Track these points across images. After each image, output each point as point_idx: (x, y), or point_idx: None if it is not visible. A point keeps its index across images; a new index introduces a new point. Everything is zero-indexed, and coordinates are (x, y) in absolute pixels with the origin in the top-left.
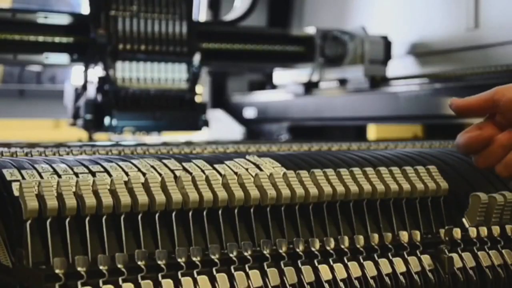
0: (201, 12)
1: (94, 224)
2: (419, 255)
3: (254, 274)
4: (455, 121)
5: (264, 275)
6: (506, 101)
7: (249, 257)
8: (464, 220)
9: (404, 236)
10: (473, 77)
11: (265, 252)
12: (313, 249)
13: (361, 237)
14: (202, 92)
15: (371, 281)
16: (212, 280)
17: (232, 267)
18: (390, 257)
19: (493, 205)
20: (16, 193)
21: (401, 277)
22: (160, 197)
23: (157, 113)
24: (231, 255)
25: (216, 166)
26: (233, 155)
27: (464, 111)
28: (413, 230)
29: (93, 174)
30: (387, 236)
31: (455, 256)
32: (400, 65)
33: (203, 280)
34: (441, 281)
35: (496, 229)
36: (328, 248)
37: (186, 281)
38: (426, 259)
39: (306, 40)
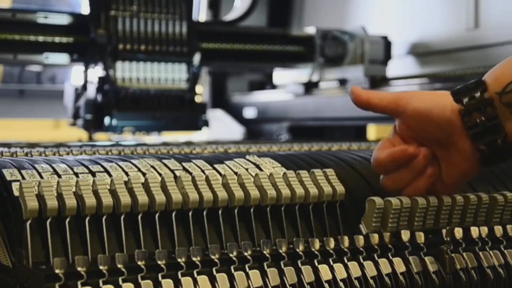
0: (201, 12)
1: (94, 224)
2: (422, 255)
3: (254, 274)
4: None
5: (264, 275)
6: (411, 110)
7: (249, 257)
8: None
9: (405, 235)
10: (473, 77)
11: (265, 252)
12: (313, 249)
13: (361, 237)
14: (202, 92)
15: (371, 281)
16: (212, 280)
17: (232, 267)
18: (390, 257)
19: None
20: (16, 193)
21: (401, 277)
22: (160, 197)
23: (157, 113)
24: (231, 255)
25: (216, 166)
26: (233, 155)
27: (365, 104)
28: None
29: (93, 174)
30: (387, 236)
31: (456, 256)
32: (400, 65)
33: (203, 280)
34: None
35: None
36: (328, 248)
37: (186, 281)
38: (428, 259)
39: (306, 40)
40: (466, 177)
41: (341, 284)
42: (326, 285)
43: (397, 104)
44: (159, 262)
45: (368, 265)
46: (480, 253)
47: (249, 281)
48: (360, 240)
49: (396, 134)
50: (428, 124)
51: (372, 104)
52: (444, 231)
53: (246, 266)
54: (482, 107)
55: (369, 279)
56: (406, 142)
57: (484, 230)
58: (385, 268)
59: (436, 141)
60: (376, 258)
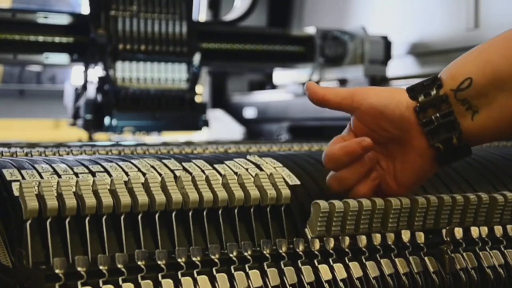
0: (201, 12)
1: (94, 224)
2: (422, 256)
3: (254, 274)
4: None
5: (264, 275)
6: (366, 106)
7: (249, 257)
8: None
9: (406, 235)
10: None
11: (265, 252)
12: (313, 249)
13: (363, 237)
14: (202, 92)
15: (373, 281)
16: (212, 280)
17: (232, 267)
18: (393, 257)
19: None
20: (16, 193)
21: (403, 278)
22: (160, 197)
23: (157, 113)
24: (231, 255)
25: (216, 166)
26: (233, 155)
27: (320, 100)
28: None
29: (93, 174)
30: (390, 236)
31: (457, 256)
32: (400, 65)
33: (203, 280)
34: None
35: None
36: (328, 248)
37: (186, 281)
38: (428, 259)
39: (306, 40)
40: (421, 176)
41: (341, 284)
42: (326, 285)
43: (352, 100)
44: (159, 262)
45: (370, 265)
46: (480, 253)
47: (249, 281)
48: (363, 241)
49: (350, 131)
50: (382, 120)
51: (326, 100)
52: (444, 231)
53: (246, 266)
54: (437, 103)
55: (371, 279)
56: None
57: (484, 230)
58: (388, 269)
59: (391, 139)
60: (379, 258)
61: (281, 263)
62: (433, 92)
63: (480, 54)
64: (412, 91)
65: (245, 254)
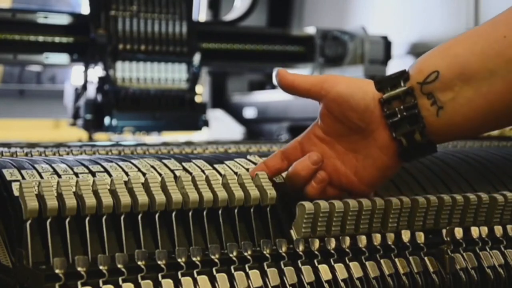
0: (201, 12)
1: (94, 224)
2: (422, 256)
3: (254, 274)
4: None
5: (264, 275)
6: (334, 93)
7: (249, 257)
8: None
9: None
10: None
11: (265, 252)
12: (313, 249)
13: (363, 237)
14: (202, 92)
15: (373, 282)
16: (212, 280)
17: (232, 267)
18: (393, 257)
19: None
20: (16, 193)
21: (403, 278)
22: (160, 197)
23: (157, 113)
24: (231, 255)
25: (216, 166)
26: (233, 155)
27: (289, 86)
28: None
29: (93, 174)
30: (390, 236)
31: (457, 256)
32: (400, 65)
33: (203, 280)
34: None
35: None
36: (328, 248)
37: (186, 281)
38: (428, 259)
39: (306, 40)
40: (384, 173)
41: (342, 284)
42: (326, 285)
43: (321, 86)
44: (159, 262)
45: (370, 265)
46: (480, 253)
47: (249, 281)
48: (363, 240)
49: (313, 127)
50: (348, 109)
51: (296, 85)
52: (444, 231)
53: (246, 266)
54: (402, 96)
55: (371, 279)
56: (325, 132)
57: (484, 230)
58: (388, 269)
59: (355, 130)
60: (379, 258)
61: (281, 263)
62: (399, 84)
63: (448, 48)
64: (380, 83)
65: (245, 254)
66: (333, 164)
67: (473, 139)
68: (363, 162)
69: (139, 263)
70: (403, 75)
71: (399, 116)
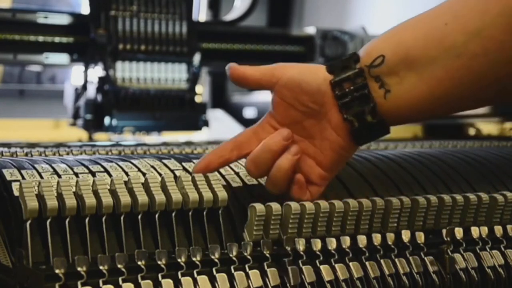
0: (201, 12)
1: (94, 224)
2: (422, 256)
3: (254, 274)
4: (455, 121)
5: (264, 275)
6: (285, 79)
7: (249, 257)
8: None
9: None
10: None
11: (265, 252)
12: (314, 249)
13: (363, 237)
14: (202, 92)
15: (374, 282)
16: (212, 280)
17: (232, 267)
18: (393, 258)
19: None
20: (16, 193)
21: (404, 278)
22: (160, 197)
23: (157, 113)
24: (230, 255)
25: None
26: None
27: (240, 78)
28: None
29: (93, 174)
30: (390, 236)
31: (457, 256)
32: None
33: (203, 280)
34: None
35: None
36: (330, 248)
37: (186, 281)
38: (428, 259)
39: (306, 40)
40: (341, 155)
41: (343, 284)
42: (328, 285)
43: (272, 74)
44: (159, 262)
45: (371, 265)
46: (481, 253)
47: (249, 281)
48: (363, 241)
49: (267, 117)
50: (300, 93)
51: (248, 76)
52: (444, 231)
53: (246, 266)
54: (352, 77)
55: (372, 279)
56: (279, 121)
57: (484, 230)
58: (388, 269)
59: (310, 114)
60: (379, 258)
61: (285, 261)
62: (350, 67)
63: (395, 33)
64: (331, 66)
65: (245, 254)
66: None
67: (467, 139)
68: (320, 146)
69: (139, 263)
70: (353, 58)
71: (349, 97)
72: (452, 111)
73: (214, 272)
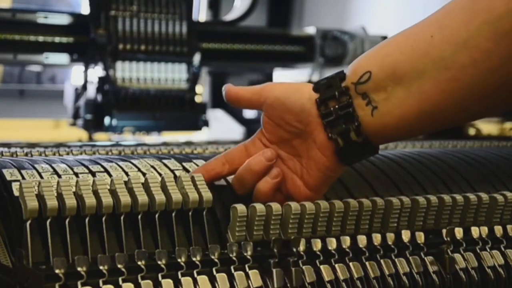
0: (201, 12)
1: (94, 224)
2: (422, 256)
3: (254, 274)
4: None
5: (264, 275)
6: (271, 98)
7: (249, 257)
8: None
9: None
10: None
11: (273, 252)
12: (314, 249)
13: (363, 237)
14: (202, 92)
15: (374, 282)
16: (212, 280)
17: (232, 267)
18: (393, 258)
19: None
20: (16, 193)
21: (404, 278)
22: (160, 197)
23: (157, 113)
24: (230, 255)
25: None
26: None
27: (234, 98)
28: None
29: (93, 174)
30: (390, 236)
31: (457, 256)
32: None
33: (203, 280)
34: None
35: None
36: (330, 248)
37: (186, 281)
38: (428, 259)
39: (306, 40)
40: (327, 176)
41: (343, 284)
42: (328, 285)
43: (260, 94)
44: (159, 262)
45: (371, 265)
46: (481, 253)
47: (249, 281)
48: (363, 241)
49: (258, 134)
50: (285, 112)
51: (240, 96)
52: (444, 231)
53: (246, 266)
54: (337, 95)
55: (372, 279)
56: (268, 139)
57: (484, 230)
58: (388, 269)
59: (296, 134)
60: (379, 258)
61: (290, 261)
62: (336, 85)
63: (381, 48)
64: (317, 84)
65: (245, 254)
66: (280, 169)
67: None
68: (306, 166)
69: (139, 263)
70: (339, 76)
71: (334, 115)
72: (441, 126)
73: (214, 272)
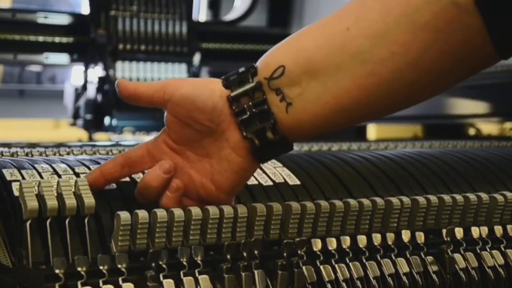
0: (201, 12)
1: (94, 224)
2: (422, 256)
3: (260, 274)
4: (455, 121)
5: (268, 275)
6: (178, 96)
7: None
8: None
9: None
10: (472, 76)
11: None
12: (314, 249)
13: (363, 237)
14: None
15: (374, 282)
16: (213, 280)
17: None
18: (393, 258)
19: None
20: (16, 193)
21: (403, 278)
22: None
23: (157, 113)
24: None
25: None
26: None
27: (132, 95)
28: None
29: None
30: (390, 236)
31: (457, 256)
32: None
33: (204, 279)
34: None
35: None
36: (330, 248)
37: (188, 281)
38: (428, 259)
39: None
40: (241, 176)
41: (343, 284)
42: (328, 285)
43: (164, 91)
44: (159, 262)
45: (371, 265)
46: (481, 253)
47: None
48: (363, 241)
49: (161, 135)
50: (195, 111)
51: (139, 94)
52: (444, 231)
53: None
54: (250, 92)
55: (372, 279)
56: (174, 140)
57: (485, 230)
58: (388, 269)
59: (206, 133)
60: (379, 258)
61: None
62: (248, 81)
63: (295, 41)
64: (227, 80)
65: (245, 254)
66: (187, 173)
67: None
68: (218, 167)
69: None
70: (250, 70)
71: (248, 113)
72: (359, 121)
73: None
